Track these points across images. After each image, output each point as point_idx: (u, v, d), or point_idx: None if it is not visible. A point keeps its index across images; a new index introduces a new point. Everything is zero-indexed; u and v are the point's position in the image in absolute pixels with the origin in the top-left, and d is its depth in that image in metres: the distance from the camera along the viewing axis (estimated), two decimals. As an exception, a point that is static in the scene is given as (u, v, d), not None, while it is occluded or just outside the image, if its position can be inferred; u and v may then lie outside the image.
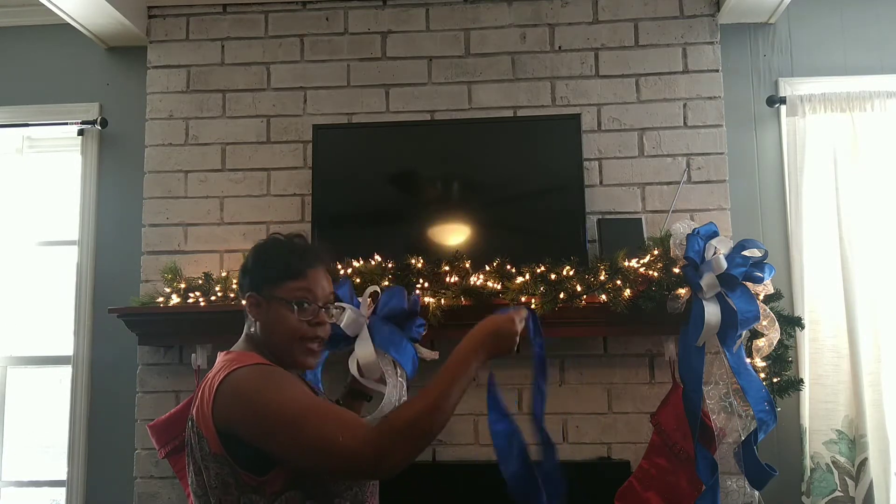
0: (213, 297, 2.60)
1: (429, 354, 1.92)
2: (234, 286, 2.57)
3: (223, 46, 3.00)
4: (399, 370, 1.83)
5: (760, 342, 2.36)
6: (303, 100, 2.94)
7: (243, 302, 1.50)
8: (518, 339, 1.48)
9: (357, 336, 1.85)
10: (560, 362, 2.72)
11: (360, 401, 1.83)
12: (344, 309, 1.83)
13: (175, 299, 2.62)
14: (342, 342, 1.87)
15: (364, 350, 1.81)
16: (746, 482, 2.26)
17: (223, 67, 2.99)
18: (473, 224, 2.73)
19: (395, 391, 1.79)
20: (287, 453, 1.30)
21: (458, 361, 1.41)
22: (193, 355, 2.61)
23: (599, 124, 2.85)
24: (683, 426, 2.27)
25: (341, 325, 1.83)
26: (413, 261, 2.51)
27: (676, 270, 2.33)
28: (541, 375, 1.65)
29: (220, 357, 1.46)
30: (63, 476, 2.93)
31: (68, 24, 2.93)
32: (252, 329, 1.49)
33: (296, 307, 1.45)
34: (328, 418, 1.30)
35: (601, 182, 2.82)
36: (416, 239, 2.70)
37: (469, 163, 2.80)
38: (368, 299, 1.95)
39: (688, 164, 2.80)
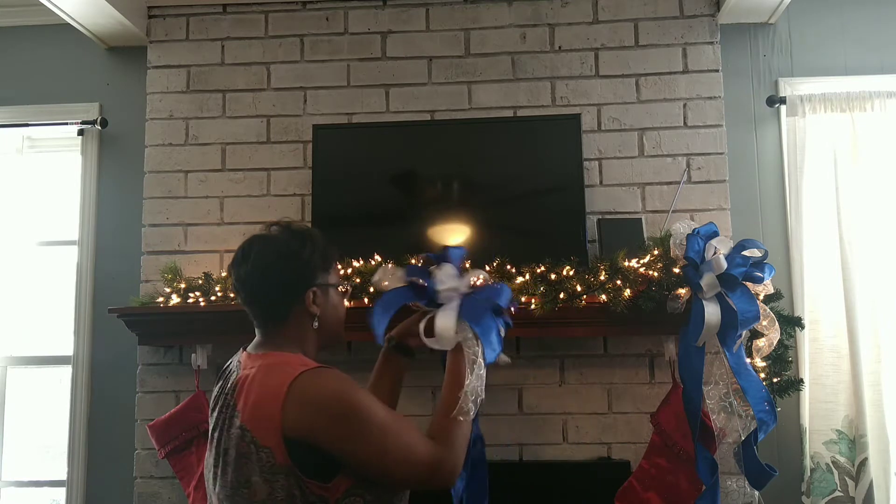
0: (213, 297, 2.60)
1: (503, 359, 1.81)
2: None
3: (223, 46, 3.00)
4: (480, 348, 1.68)
5: (760, 342, 2.35)
6: (303, 100, 2.94)
7: (304, 300, 1.43)
8: None
9: (443, 304, 1.71)
10: (560, 362, 2.72)
11: (401, 356, 1.79)
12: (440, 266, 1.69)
13: (175, 299, 2.62)
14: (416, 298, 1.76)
15: (446, 320, 1.66)
16: (746, 482, 2.25)
17: (223, 67, 2.99)
18: (473, 224, 2.73)
19: (478, 382, 1.65)
20: (367, 460, 1.30)
21: (458, 372, 1.52)
22: (193, 355, 2.61)
23: (599, 124, 2.85)
24: (683, 426, 2.27)
25: (437, 279, 1.72)
26: (413, 261, 2.50)
27: (676, 270, 2.32)
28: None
29: (258, 360, 1.38)
30: (63, 476, 2.93)
31: (68, 24, 2.93)
32: (308, 327, 1.45)
33: (344, 288, 1.55)
34: (406, 428, 1.35)
35: (601, 182, 2.82)
36: (416, 239, 2.70)
37: (469, 163, 2.80)
38: (473, 279, 1.83)
39: (688, 164, 2.81)
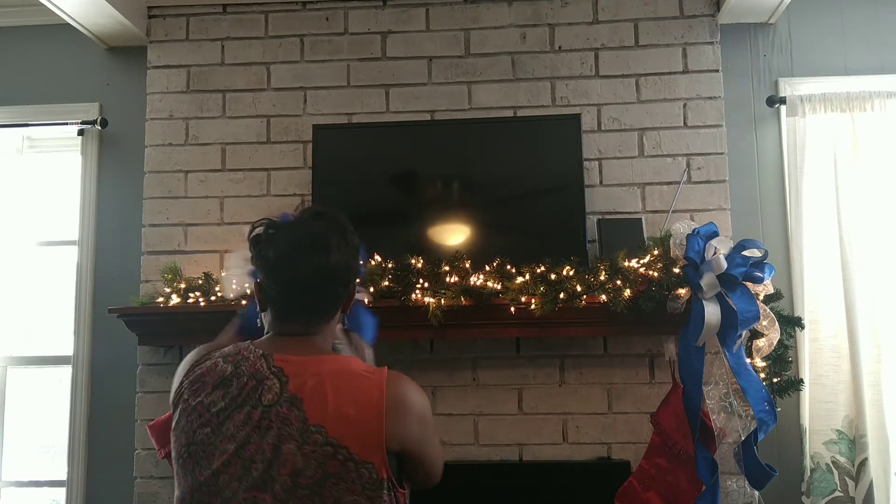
0: (213, 297, 2.60)
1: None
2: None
3: (223, 46, 3.00)
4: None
5: (760, 342, 2.36)
6: (303, 100, 2.94)
7: (349, 300, 1.37)
8: None
9: None
10: (560, 362, 2.72)
11: None
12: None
13: (175, 299, 2.62)
14: None
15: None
16: (746, 482, 2.26)
17: (223, 67, 2.99)
18: (473, 224, 2.73)
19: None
20: (430, 460, 1.34)
21: None
22: (193, 355, 2.61)
23: (599, 124, 2.85)
24: (683, 426, 2.27)
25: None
26: (413, 261, 2.51)
27: (676, 270, 2.33)
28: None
29: (312, 365, 1.23)
30: (63, 476, 2.93)
31: (68, 24, 2.93)
32: (334, 325, 1.37)
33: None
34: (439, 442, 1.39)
35: (601, 182, 2.82)
36: (416, 239, 2.70)
37: (469, 163, 2.80)
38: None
39: (688, 164, 2.81)
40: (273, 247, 1.30)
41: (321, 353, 1.29)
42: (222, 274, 2.28)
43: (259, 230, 1.34)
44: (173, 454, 1.26)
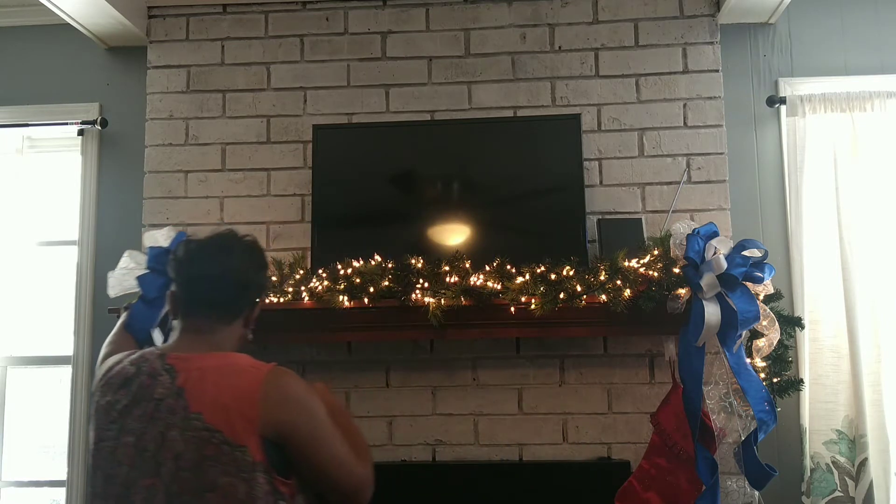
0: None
1: None
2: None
3: (223, 46, 3.00)
4: None
5: (760, 342, 2.36)
6: (303, 100, 2.94)
7: (254, 308, 1.51)
8: None
9: None
10: (560, 362, 2.73)
11: None
12: None
13: (175, 299, 2.62)
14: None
15: None
16: (746, 482, 2.26)
17: (223, 67, 2.99)
18: (473, 224, 2.73)
19: None
20: (317, 466, 1.36)
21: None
22: (193, 355, 2.61)
23: (599, 124, 2.85)
24: (683, 426, 2.27)
25: None
26: (413, 261, 2.51)
27: (676, 270, 2.32)
28: None
29: (199, 361, 1.36)
30: (63, 476, 2.93)
31: (68, 24, 2.93)
32: (241, 335, 1.51)
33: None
34: (344, 442, 1.40)
35: (601, 182, 2.82)
36: (416, 239, 2.70)
37: (469, 163, 2.80)
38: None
39: (688, 164, 2.81)
40: (184, 250, 1.49)
41: (213, 350, 1.41)
42: (109, 273, 2.35)
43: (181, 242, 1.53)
44: (89, 451, 1.39)
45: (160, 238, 2.34)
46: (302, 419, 1.34)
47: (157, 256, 2.25)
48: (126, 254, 2.45)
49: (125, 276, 2.36)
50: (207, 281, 1.45)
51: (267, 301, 2.50)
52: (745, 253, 2.26)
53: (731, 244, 2.30)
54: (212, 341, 1.43)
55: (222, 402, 1.30)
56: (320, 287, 2.48)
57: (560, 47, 2.91)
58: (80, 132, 3.08)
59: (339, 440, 1.39)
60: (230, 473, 1.27)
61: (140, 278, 2.26)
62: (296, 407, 1.34)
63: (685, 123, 2.83)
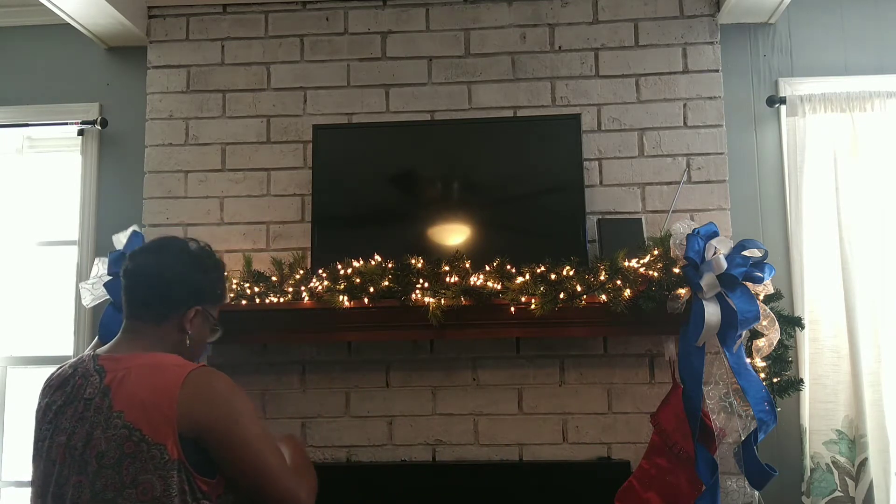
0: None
1: None
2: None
3: (223, 46, 3.00)
4: None
5: (760, 342, 2.36)
6: (303, 100, 2.94)
7: (187, 313, 1.48)
8: None
9: None
10: (560, 362, 2.73)
11: None
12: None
13: (175, 299, 2.62)
14: None
15: None
16: (746, 482, 2.26)
17: (223, 67, 2.99)
18: (473, 224, 2.73)
19: None
20: (240, 468, 1.35)
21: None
22: (193, 355, 2.61)
23: (599, 124, 2.85)
24: (683, 426, 2.27)
25: None
26: (413, 261, 2.51)
27: (676, 270, 2.32)
28: None
29: (127, 361, 1.38)
30: (63, 476, 2.93)
31: (68, 24, 2.93)
32: (179, 339, 1.48)
33: (217, 330, 1.56)
34: (276, 450, 1.40)
35: (601, 182, 2.82)
36: (416, 239, 2.70)
37: (469, 163, 2.80)
38: None
39: (688, 164, 2.81)
40: (131, 253, 1.54)
41: (144, 350, 1.42)
42: (81, 284, 2.39)
43: None
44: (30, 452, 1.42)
45: (121, 240, 2.35)
46: (220, 417, 1.33)
47: (116, 260, 2.27)
48: (97, 261, 2.48)
49: (95, 284, 2.39)
50: (138, 281, 1.48)
51: (267, 301, 2.50)
52: (745, 253, 2.26)
53: (731, 244, 2.30)
54: (144, 343, 1.44)
55: (141, 400, 1.31)
56: (320, 287, 2.49)
57: (560, 47, 2.91)
58: (80, 132, 3.08)
59: (268, 447, 1.38)
60: (148, 471, 1.29)
61: (106, 284, 2.27)
62: (216, 406, 1.34)
63: (685, 123, 2.83)
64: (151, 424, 1.30)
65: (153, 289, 1.47)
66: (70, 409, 1.37)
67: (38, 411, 1.44)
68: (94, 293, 2.42)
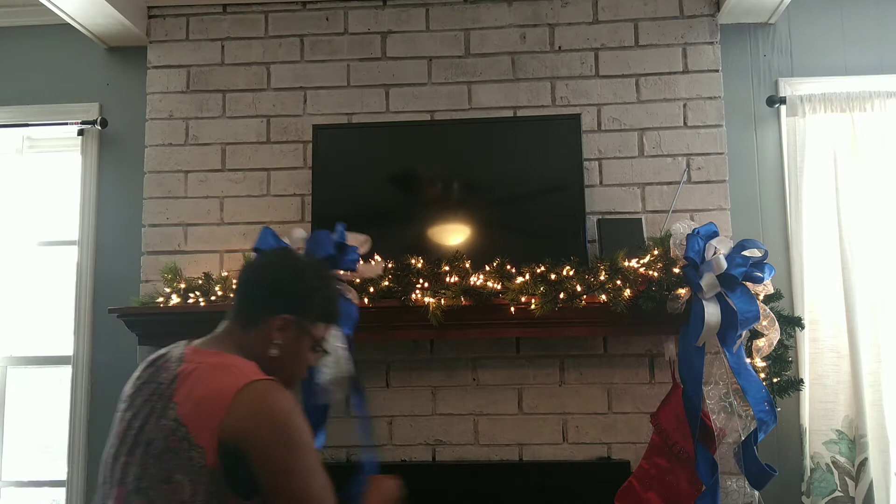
0: (213, 297, 2.60)
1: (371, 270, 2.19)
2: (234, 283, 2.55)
3: (223, 46, 3.00)
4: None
5: (760, 342, 2.36)
6: (303, 100, 2.94)
7: (273, 321, 1.40)
8: None
9: None
10: (560, 362, 2.72)
11: None
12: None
13: (175, 299, 2.62)
14: None
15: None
16: (746, 482, 2.26)
17: (223, 67, 2.99)
18: (473, 224, 2.73)
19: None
20: (285, 493, 1.26)
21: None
22: (193, 355, 2.61)
23: (599, 124, 2.85)
24: (683, 426, 2.27)
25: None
26: (413, 261, 2.51)
27: (676, 270, 2.33)
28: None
29: (206, 356, 1.35)
30: (63, 476, 2.93)
31: (68, 24, 2.93)
32: (266, 349, 1.40)
33: (318, 350, 1.49)
34: (326, 487, 1.31)
35: (601, 182, 2.82)
36: (416, 239, 2.70)
37: (469, 163, 2.80)
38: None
39: (688, 164, 2.80)
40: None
41: (226, 350, 1.38)
42: None
43: None
44: None
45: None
46: (271, 436, 1.25)
47: None
48: None
49: None
50: (238, 283, 1.49)
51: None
52: (745, 253, 2.26)
53: (731, 244, 2.31)
54: (230, 345, 1.40)
55: (196, 397, 1.27)
56: (320, 287, 2.48)
57: (560, 47, 2.91)
58: (80, 132, 3.08)
59: (317, 482, 1.28)
60: (183, 471, 1.23)
61: None
62: (269, 422, 1.25)
63: (685, 123, 2.83)
64: (198, 424, 1.24)
65: (246, 293, 1.46)
66: (146, 388, 1.35)
67: (129, 382, 1.42)
68: None
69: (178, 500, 1.23)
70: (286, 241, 2.30)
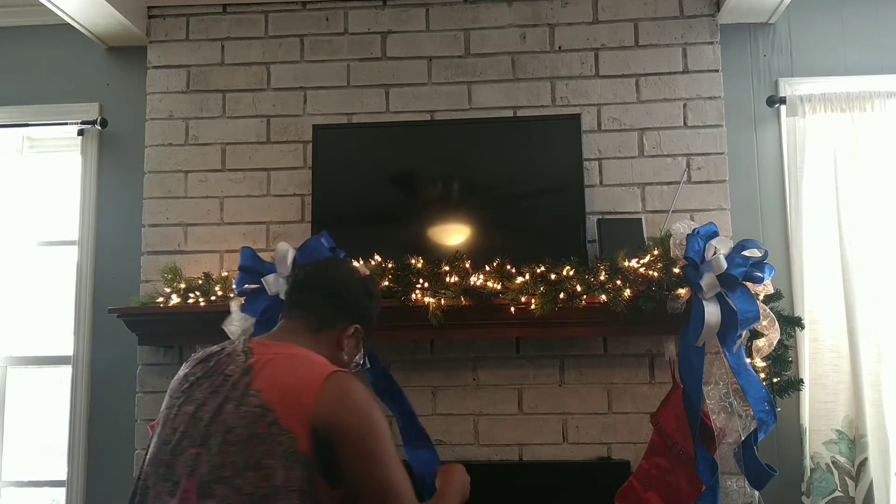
0: (213, 297, 2.60)
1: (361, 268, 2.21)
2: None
3: (223, 46, 3.00)
4: None
5: (760, 342, 2.36)
6: (303, 100, 2.94)
7: (347, 328, 1.53)
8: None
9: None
10: (560, 362, 2.72)
11: None
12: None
13: (175, 299, 2.62)
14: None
15: None
16: (746, 482, 2.26)
17: (223, 67, 2.99)
18: (473, 224, 2.73)
19: None
20: (366, 483, 1.30)
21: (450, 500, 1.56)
22: (193, 355, 2.61)
23: (599, 124, 2.85)
24: (683, 426, 2.27)
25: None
26: (413, 261, 2.51)
27: (676, 270, 2.33)
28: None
29: (278, 348, 1.39)
30: (63, 476, 2.93)
31: (68, 24, 2.93)
32: (334, 351, 1.50)
33: (360, 361, 1.63)
34: (405, 477, 1.35)
35: (601, 182, 2.82)
36: (416, 239, 2.70)
37: (469, 163, 2.80)
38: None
39: (688, 164, 2.81)
40: (308, 263, 1.75)
41: (298, 345, 1.42)
42: (227, 326, 2.35)
43: None
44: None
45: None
46: (357, 425, 1.30)
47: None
48: (233, 305, 2.42)
49: (239, 322, 2.40)
50: (316, 286, 1.55)
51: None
52: (745, 253, 2.26)
53: (731, 244, 2.31)
54: (299, 340, 1.45)
55: (283, 383, 1.29)
56: (320, 287, 2.48)
57: (560, 47, 2.91)
58: (80, 132, 3.08)
59: (398, 470, 1.33)
60: (274, 456, 1.24)
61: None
62: (354, 412, 1.30)
63: (685, 123, 2.83)
64: (287, 409, 1.26)
65: (328, 297, 1.53)
66: (207, 382, 1.35)
67: (174, 381, 1.43)
68: (241, 325, 2.38)
69: (268, 485, 1.23)
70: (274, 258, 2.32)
